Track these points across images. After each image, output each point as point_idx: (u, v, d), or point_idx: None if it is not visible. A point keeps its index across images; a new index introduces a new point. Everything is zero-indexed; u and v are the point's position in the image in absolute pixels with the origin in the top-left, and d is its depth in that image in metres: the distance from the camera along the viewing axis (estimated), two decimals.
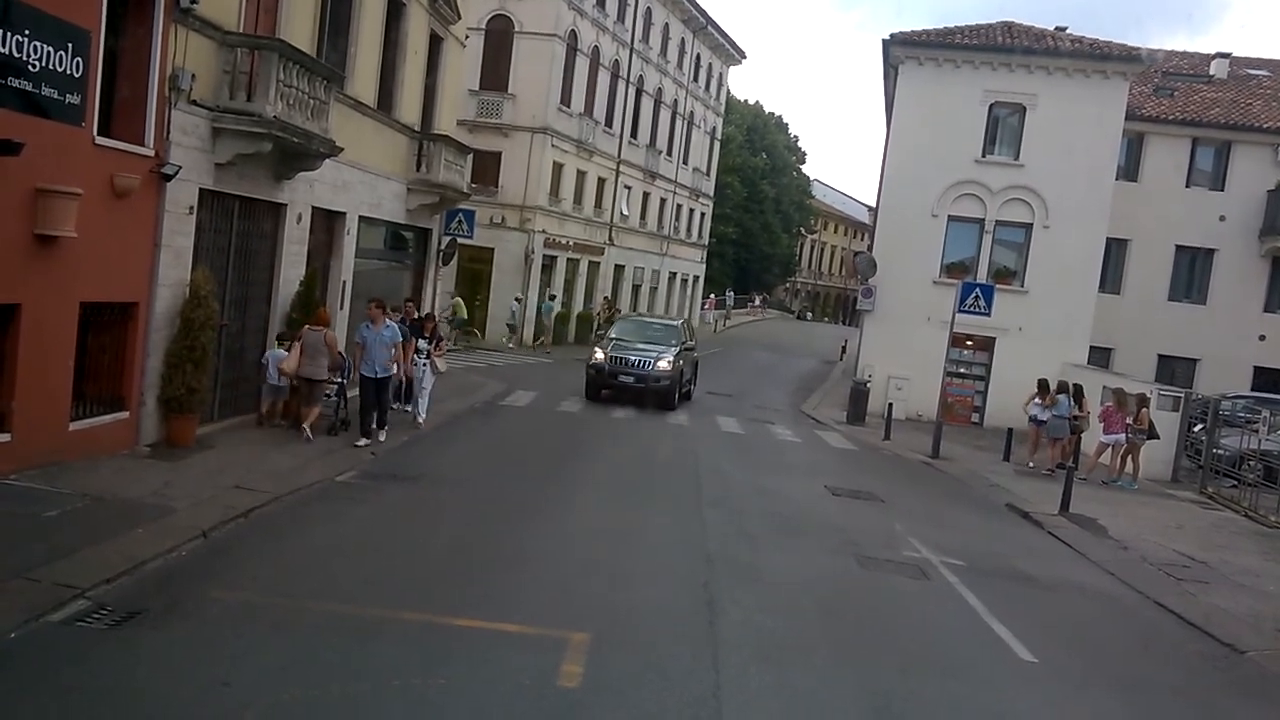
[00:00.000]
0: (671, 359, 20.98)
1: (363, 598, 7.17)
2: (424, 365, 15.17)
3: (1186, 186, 27.42)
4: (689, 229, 49.63)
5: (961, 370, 25.73)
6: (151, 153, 10.39)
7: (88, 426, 10.03)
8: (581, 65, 34.24)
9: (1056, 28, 31.46)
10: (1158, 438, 17.54)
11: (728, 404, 24.18)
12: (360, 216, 16.91)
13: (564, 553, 9.25)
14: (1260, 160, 27.06)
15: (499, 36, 32.44)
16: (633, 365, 20.62)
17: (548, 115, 32.40)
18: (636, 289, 43.05)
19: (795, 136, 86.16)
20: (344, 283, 16.78)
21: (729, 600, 8.17)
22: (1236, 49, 65.30)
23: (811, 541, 10.86)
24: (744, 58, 52.33)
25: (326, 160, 13.86)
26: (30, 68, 8.42)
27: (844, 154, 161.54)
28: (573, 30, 33.22)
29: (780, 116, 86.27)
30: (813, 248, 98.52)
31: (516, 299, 32.25)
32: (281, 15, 13.03)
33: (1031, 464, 18.35)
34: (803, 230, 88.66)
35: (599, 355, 21.12)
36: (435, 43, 19.78)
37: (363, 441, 13.06)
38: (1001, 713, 6.67)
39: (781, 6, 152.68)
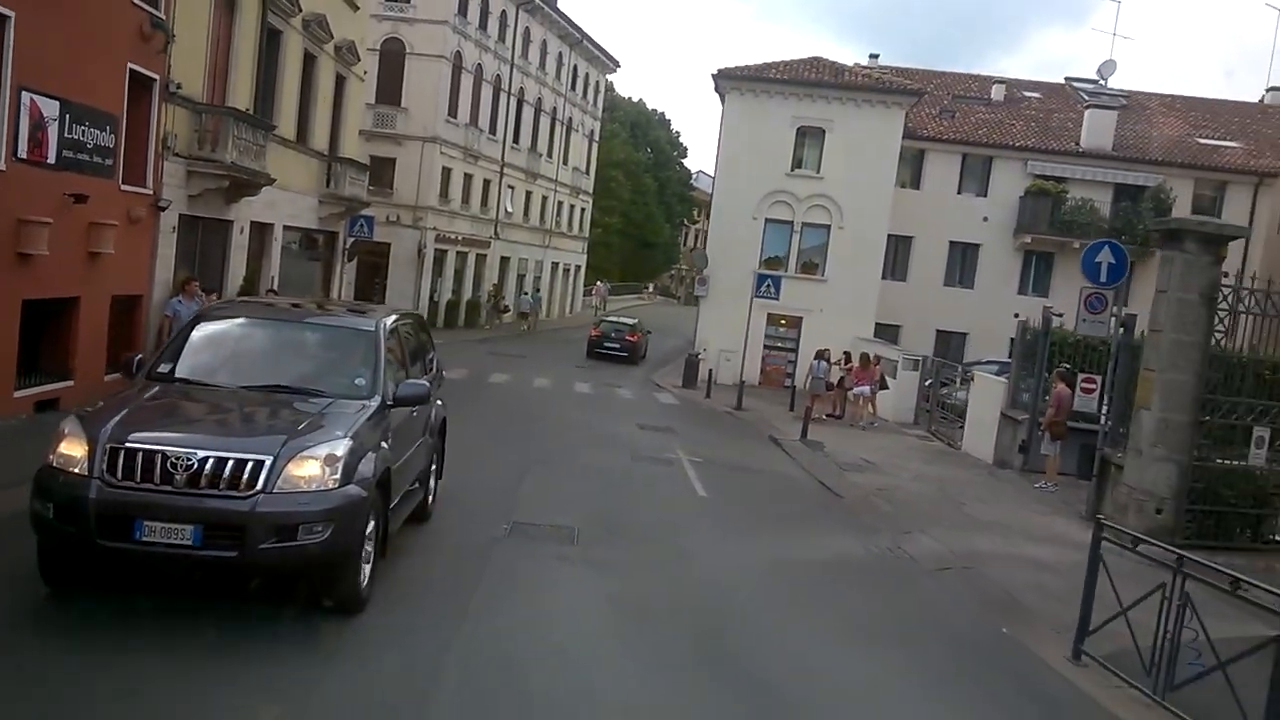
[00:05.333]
0: (337, 463, 6.40)
1: None
2: None
3: (958, 193, 33.89)
4: (570, 223, 54.81)
5: (778, 344, 31.76)
6: (151, 192, 15.25)
7: (113, 378, 14.80)
8: (466, 81, 39.03)
9: (870, 56, 37.88)
10: (888, 388, 23.66)
11: (585, 373, 29.49)
12: (284, 226, 21.73)
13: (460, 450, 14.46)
14: (1014, 171, 33.72)
15: (392, 56, 36.95)
16: (181, 506, 6.03)
17: (437, 126, 37.15)
18: (521, 278, 48.03)
19: (677, 132, 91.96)
20: (272, 277, 21.57)
21: (533, 469, 13.58)
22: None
23: (608, 449, 16.36)
24: (618, 66, 57.75)
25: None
26: (87, 145, 13.23)
27: None
28: (458, 51, 37.97)
29: (663, 113, 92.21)
30: (696, 236, 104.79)
31: (526, 293, 42.65)
32: (230, 83, 17.86)
33: (824, 416, 24.09)
34: (685, 221, 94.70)
35: (72, 449, 6.19)
36: (340, 82, 24.59)
37: None
38: (671, 509, 12.22)
39: None
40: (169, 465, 6.02)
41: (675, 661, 7.06)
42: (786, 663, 7.33)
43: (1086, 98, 37.45)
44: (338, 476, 6.35)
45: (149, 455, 6.05)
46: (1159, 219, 17.70)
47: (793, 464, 17.22)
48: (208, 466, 6.05)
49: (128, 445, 6.09)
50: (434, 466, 9.65)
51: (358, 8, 24.85)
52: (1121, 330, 14.31)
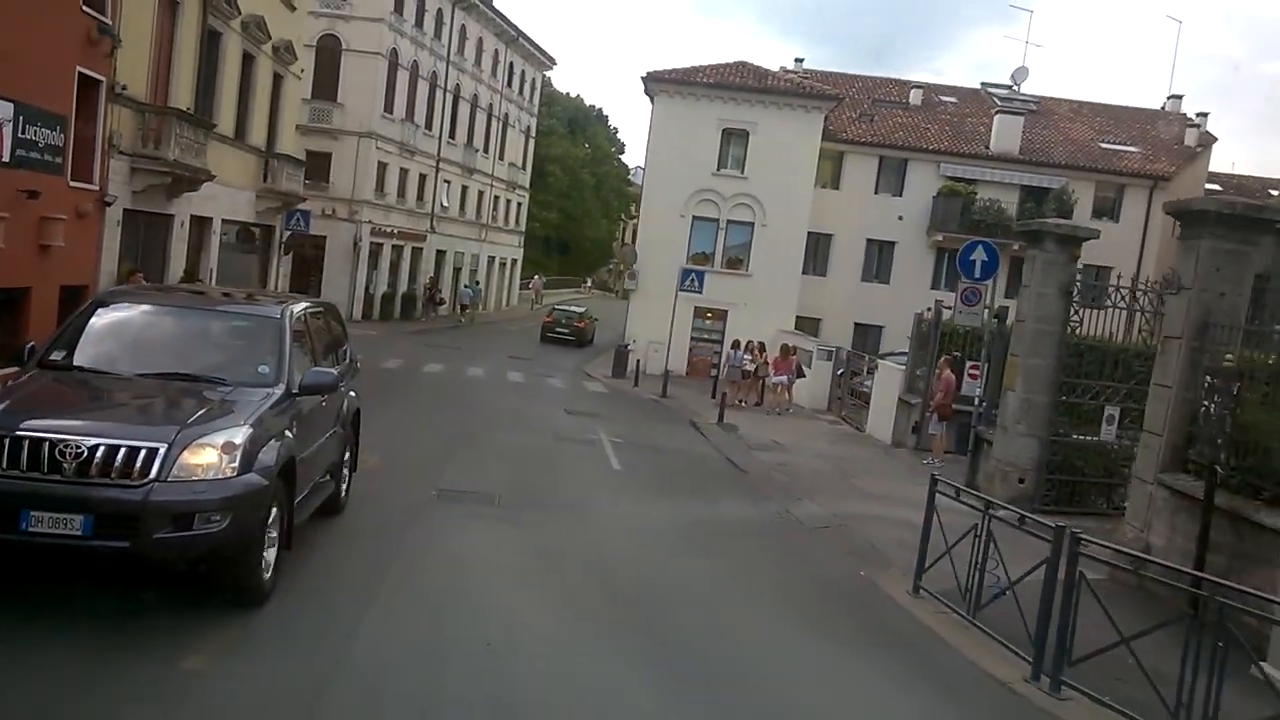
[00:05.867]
0: (235, 450, 6.40)
1: None
2: None
3: (875, 193, 35.64)
4: (506, 217, 55.74)
5: (705, 336, 33.20)
6: (97, 188, 16.07)
7: None
8: (403, 78, 39.77)
9: (796, 59, 39.52)
10: (804, 376, 25.19)
11: (523, 365, 30.53)
12: (223, 220, 22.51)
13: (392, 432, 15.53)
14: (928, 173, 35.59)
15: (328, 53, 37.53)
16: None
17: (373, 121, 37.87)
18: (458, 271, 48.85)
19: (615, 128, 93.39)
20: (211, 270, 22.37)
21: (461, 449, 14.72)
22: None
23: (533, 431, 17.55)
24: (555, 64, 58.80)
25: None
26: (39, 144, 14.05)
27: None
28: (394, 49, 38.71)
29: (601, 109, 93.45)
30: (634, 232, 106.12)
31: (468, 285, 45.32)
32: (172, 83, 18.67)
33: (742, 403, 25.51)
34: (623, 216, 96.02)
35: None
36: (278, 80, 25.38)
37: None
38: (587, 480, 13.47)
39: None
40: (57, 453, 5.89)
41: (578, 593, 8.34)
42: (674, 597, 8.65)
43: (999, 103, 39.49)
44: (236, 464, 6.27)
45: (36, 443, 5.90)
46: (1023, 221, 19.38)
47: (707, 444, 18.60)
48: (98, 455, 5.93)
49: (15, 434, 5.93)
50: (347, 459, 9.37)
51: (295, 8, 25.64)
52: (995, 320, 15.91)
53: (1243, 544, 8.94)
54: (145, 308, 8.20)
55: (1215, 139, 40.21)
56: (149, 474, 5.96)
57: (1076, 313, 14.14)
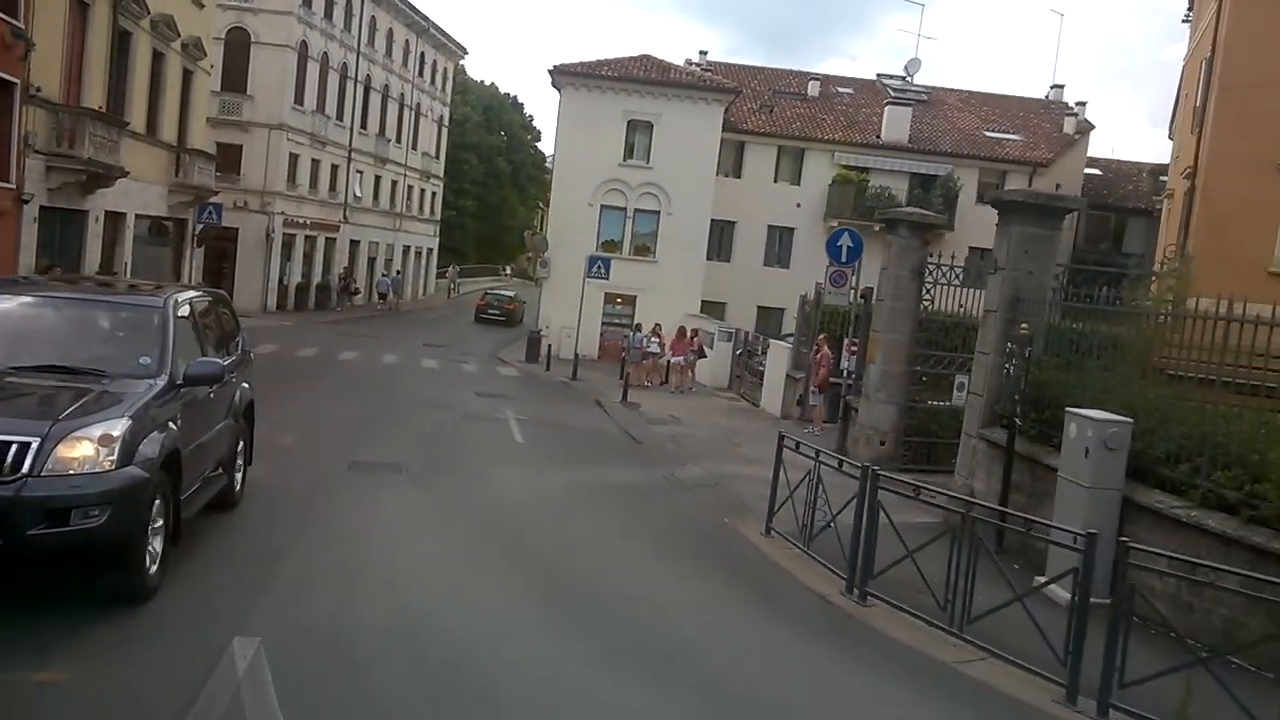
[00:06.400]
0: (114, 443, 6.34)
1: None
2: None
3: (774, 181, 37.44)
4: (421, 207, 56.33)
5: (615, 321, 34.52)
6: (14, 187, 16.73)
7: None
8: (313, 69, 40.19)
9: (700, 52, 40.96)
10: (705, 356, 26.76)
11: (438, 352, 31.50)
12: (136, 215, 23.11)
13: (306, 414, 16.53)
14: (824, 162, 37.48)
15: (237, 46, 37.69)
16: None
17: (283, 113, 38.21)
18: (372, 260, 49.39)
19: (531, 115, 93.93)
20: (126, 263, 22.96)
21: (373, 428, 15.84)
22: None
23: (444, 412, 18.71)
24: (466, 54, 59.56)
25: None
26: None
27: None
28: (303, 41, 39.11)
29: (516, 96, 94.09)
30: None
31: (386, 274, 48.00)
32: (85, 83, 19.29)
33: (648, 383, 26.94)
34: (541, 204, 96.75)
35: None
36: (188, 76, 25.92)
37: None
38: (490, 452, 14.75)
39: None
40: None
41: (475, 545, 9.64)
42: (559, 541, 10.05)
43: (893, 94, 41.53)
44: (114, 457, 6.18)
45: None
46: (882, 209, 21.16)
47: (609, 420, 19.99)
48: None
49: None
50: (240, 452, 9.26)
51: (203, 5, 26.21)
52: (862, 300, 17.57)
53: (1037, 483, 10.62)
54: (23, 299, 7.91)
55: (1093, 126, 42.92)
56: (21, 469, 5.89)
57: (929, 291, 15.83)
